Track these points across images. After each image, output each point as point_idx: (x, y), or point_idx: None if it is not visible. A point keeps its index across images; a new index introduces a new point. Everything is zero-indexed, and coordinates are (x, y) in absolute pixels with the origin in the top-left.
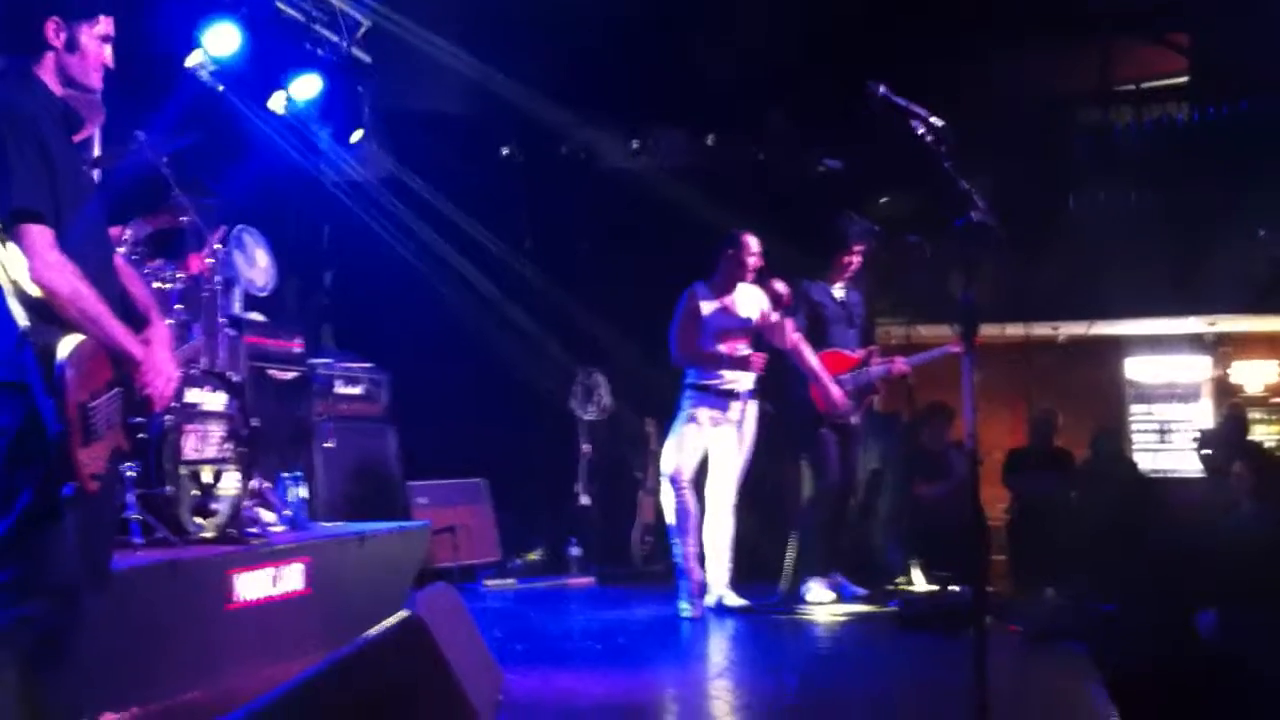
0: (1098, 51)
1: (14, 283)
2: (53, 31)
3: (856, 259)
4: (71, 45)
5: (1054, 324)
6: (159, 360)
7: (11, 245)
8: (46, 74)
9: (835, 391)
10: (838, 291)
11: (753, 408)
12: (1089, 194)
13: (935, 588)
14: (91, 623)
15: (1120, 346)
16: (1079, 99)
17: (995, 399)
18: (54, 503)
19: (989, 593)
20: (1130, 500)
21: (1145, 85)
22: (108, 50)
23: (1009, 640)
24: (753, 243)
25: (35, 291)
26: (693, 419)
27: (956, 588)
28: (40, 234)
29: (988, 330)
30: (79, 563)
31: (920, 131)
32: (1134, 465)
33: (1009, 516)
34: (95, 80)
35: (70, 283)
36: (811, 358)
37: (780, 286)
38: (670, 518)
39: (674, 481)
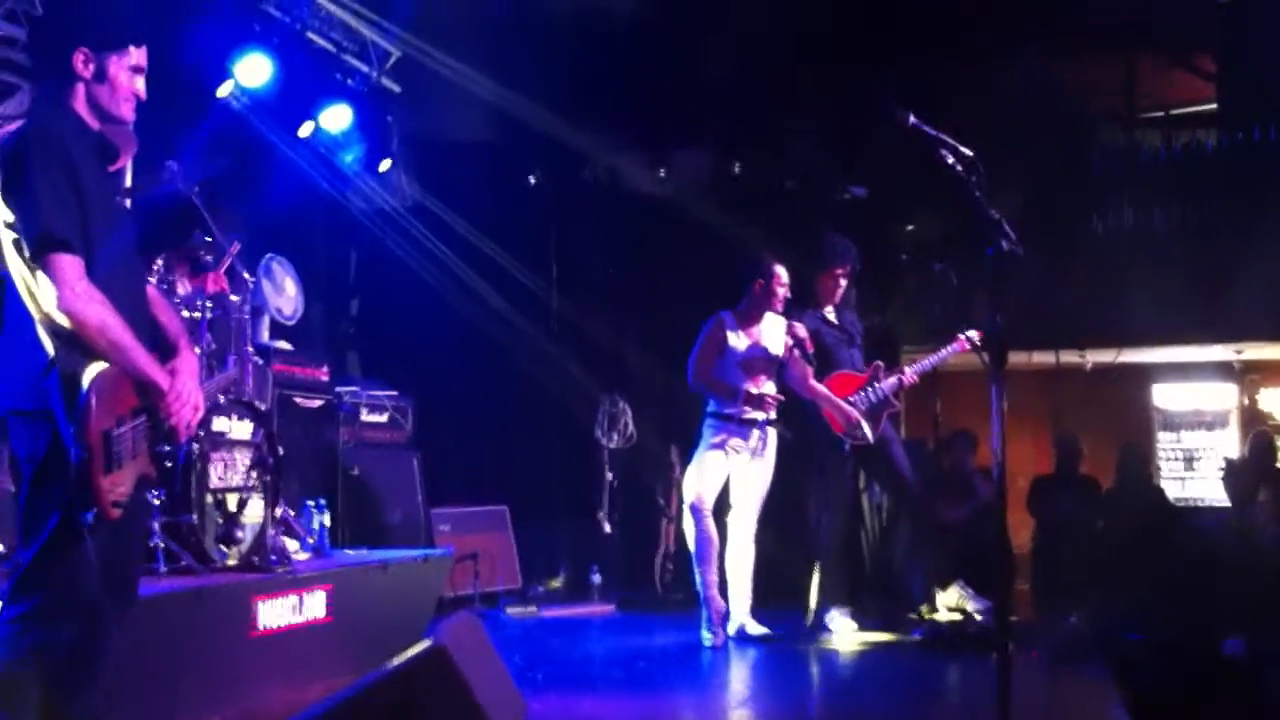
0: (1124, 72)
1: (44, 313)
2: (81, 62)
3: (841, 281)
4: (100, 76)
5: (1080, 351)
6: (185, 390)
7: (41, 274)
8: (79, 104)
9: (849, 411)
10: (830, 314)
11: (772, 436)
12: (1115, 218)
13: (958, 616)
14: (116, 648)
15: (1147, 373)
16: (1106, 123)
17: (1021, 425)
18: (77, 529)
19: (1012, 620)
20: (1156, 527)
21: (1174, 111)
22: (139, 81)
23: (1032, 665)
24: (783, 273)
25: (63, 320)
26: (714, 447)
27: (979, 616)
28: (69, 263)
29: (1014, 357)
30: (104, 588)
31: (949, 160)
32: (1161, 491)
33: (1033, 543)
34: (126, 111)
35: (97, 312)
36: (818, 387)
37: (801, 331)
38: (691, 546)
39: (695, 510)
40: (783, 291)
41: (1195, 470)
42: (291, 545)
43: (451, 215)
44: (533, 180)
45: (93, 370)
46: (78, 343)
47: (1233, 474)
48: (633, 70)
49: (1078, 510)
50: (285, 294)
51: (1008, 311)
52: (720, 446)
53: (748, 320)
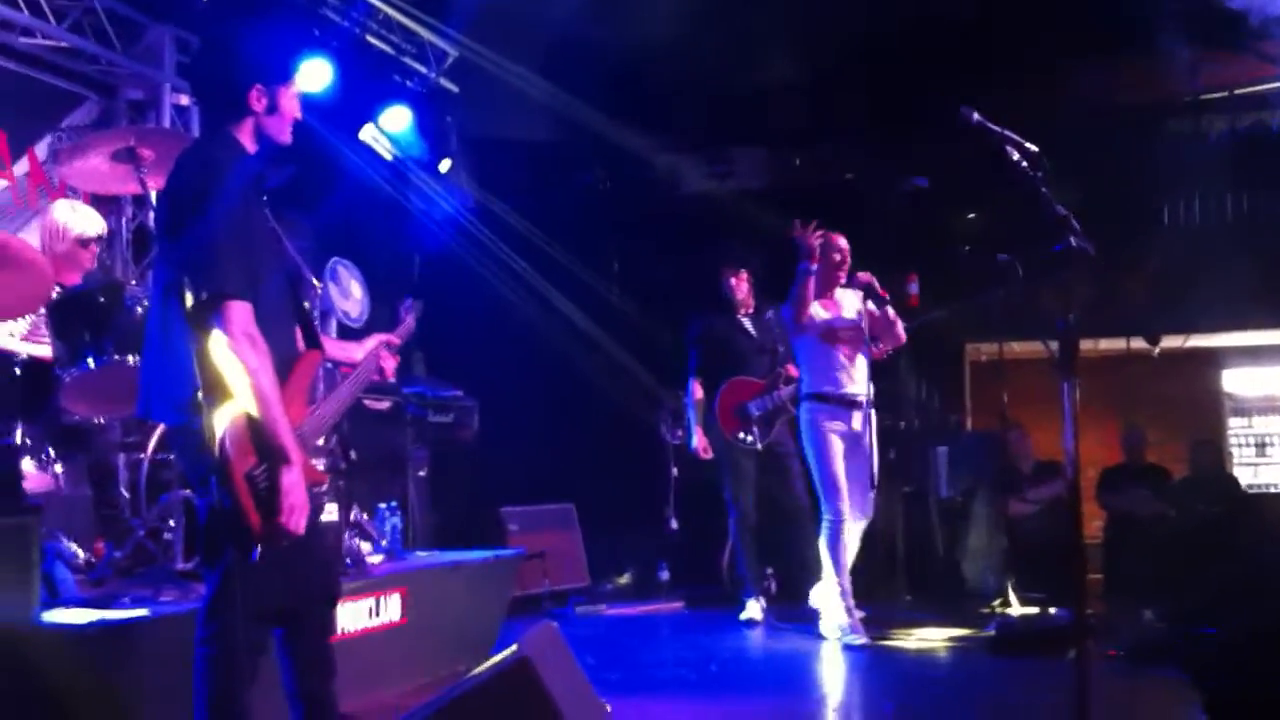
0: (1188, 59)
1: (199, 354)
2: (255, 97)
3: (738, 284)
4: (272, 108)
5: (1150, 337)
6: (298, 493)
7: (209, 318)
8: (244, 135)
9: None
10: (745, 320)
11: (873, 417)
12: (1183, 204)
13: (1032, 610)
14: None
15: (1217, 358)
16: (1170, 108)
17: (1088, 414)
18: (249, 567)
19: (1087, 615)
20: (1229, 516)
21: (1238, 92)
22: (297, 105)
23: (1108, 664)
24: (840, 241)
25: (227, 362)
26: (822, 432)
27: (1053, 610)
28: (239, 310)
29: (1083, 345)
30: (305, 591)
31: (1015, 157)
32: (1234, 480)
33: (1104, 535)
34: (288, 136)
35: (255, 360)
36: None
37: (865, 276)
38: (824, 549)
39: (834, 506)
40: (840, 258)
41: (1267, 456)
42: (365, 548)
43: (512, 215)
44: (591, 178)
45: (223, 417)
46: (214, 390)
47: None
48: (687, 69)
49: (1148, 501)
50: (352, 297)
51: (1077, 307)
52: (827, 430)
53: (820, 295)
